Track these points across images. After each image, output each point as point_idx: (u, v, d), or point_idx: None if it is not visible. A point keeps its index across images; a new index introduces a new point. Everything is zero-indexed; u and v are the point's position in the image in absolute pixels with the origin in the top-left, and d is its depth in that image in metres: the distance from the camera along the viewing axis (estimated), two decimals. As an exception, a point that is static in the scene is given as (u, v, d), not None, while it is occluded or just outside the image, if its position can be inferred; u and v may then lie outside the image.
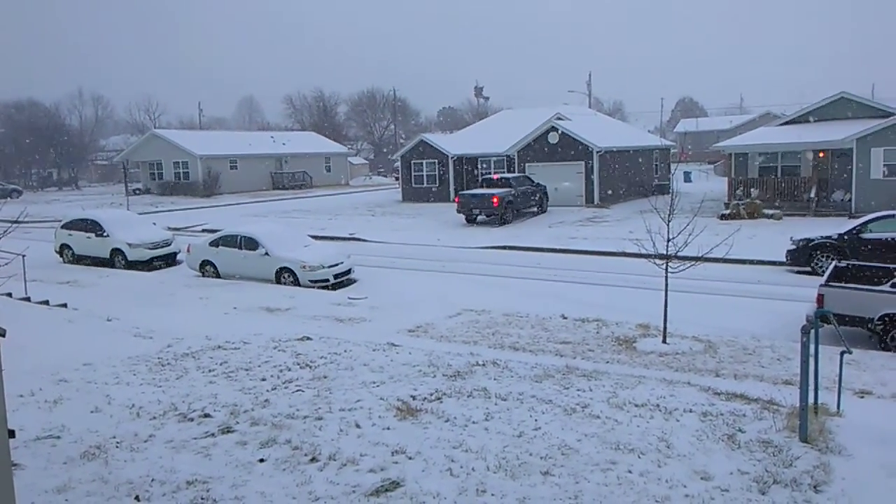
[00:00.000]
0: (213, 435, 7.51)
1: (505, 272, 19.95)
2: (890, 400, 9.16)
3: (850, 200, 27.60)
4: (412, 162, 41.80)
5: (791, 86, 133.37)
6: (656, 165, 42.20)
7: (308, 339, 11.87)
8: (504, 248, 24.49)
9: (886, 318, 11.81)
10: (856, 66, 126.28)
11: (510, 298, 16.12)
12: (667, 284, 12.31)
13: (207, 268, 19.85)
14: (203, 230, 30.44)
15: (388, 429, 7.48)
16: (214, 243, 19.90)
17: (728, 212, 28.38)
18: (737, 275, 18.40)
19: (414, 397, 8.51)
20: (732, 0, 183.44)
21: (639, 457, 6.46)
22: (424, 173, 41.33)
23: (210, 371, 10.01)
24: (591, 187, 34.40)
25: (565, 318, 14.06)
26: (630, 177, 37.72)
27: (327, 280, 18.32)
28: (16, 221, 10.87)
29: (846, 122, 28.82)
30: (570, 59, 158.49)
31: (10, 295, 15.57)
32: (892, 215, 18.63)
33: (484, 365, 9.98)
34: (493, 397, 8.39)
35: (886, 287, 12.67)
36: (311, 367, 10.06)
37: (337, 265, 18.72)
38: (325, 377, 9.54)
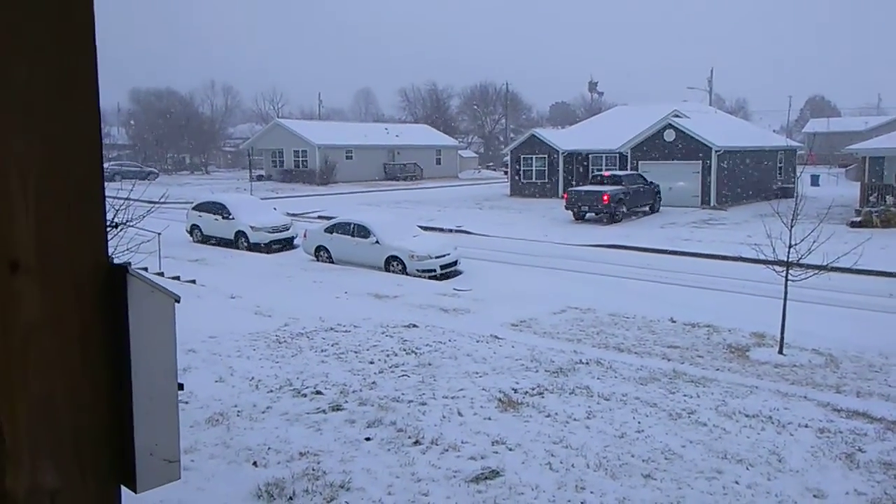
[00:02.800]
0: (324, 411, 7.93)
1: (612, 271, 19.60)
2: None
3: None
4: (522, 157, 41.71)
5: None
6: (780, 167, 39.96)
7: (414, 326, 12.21)
8: (612, 246, 24.03)
9: None
10: None
11: (616, 298, 15.85)
12: (786, 293, 11.74)
13: (321, 253, 20.73)
14: (318, 217, 31.76)
15: (490, 419, 7.62)
16: (329, 230, 20.75)
17: (859, 219, 26.51)
18: (866, 287, 17.20)
19: (515, 390, 8.61)
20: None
21: (747, 468, 6.26)
22: (534, 168, 41.14)
23: (322, 351, 10.53)
24: (708, 188, 33.06)
25: (674, 321, 13.69)
26: (750, 178, 35.94)
27: (434, 270, 18.69)
28: (157, 202, 11.82)
29: None
30: (691, 55, 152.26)
31: (146, 269, 16.96)
32: None
33: (587, 363, 9.92)
34: (595, 396, 8.35)
35: None
36: (416, 354, 10.36)
37: (443, 256, 19.06)
38: (430, 364, 9.81)
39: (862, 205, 28.27)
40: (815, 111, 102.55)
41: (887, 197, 27.79)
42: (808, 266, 11.80)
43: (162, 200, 13.05)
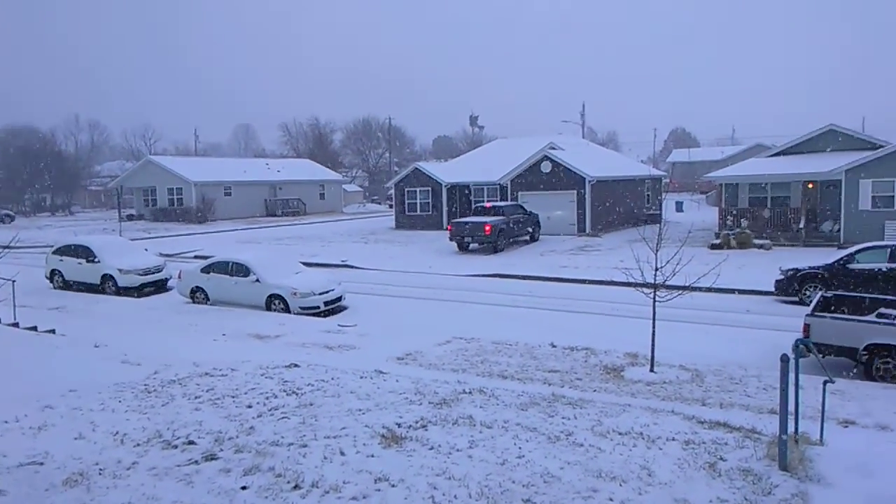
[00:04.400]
0: (196, 462, 7.48)
1: (496, 300, 20.01)
2: (873, 430, 9.20)
3: (838, 231, 27.88)
4: (406, 190, 42.08)
5: (782, 117, 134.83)
6: (648, 195, 42.56)
7: (296, 366, 11.86)
8: (495, 276, 24.57)
9: (872, 348, 11.91)
10: (846, 98, 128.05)
11: (500, 327, 16.16)
12: (654, 313, 12.38)
13: (198, 294, 19.85)
14: (195, 256, 30.47)
15: (373, 456, 7.48)
16: (206, 269, 19.93)
17: (718, 241, 28.59)
18: (726, 304, 18.50)
19: (399, 425, 8.51)
20: (726, 33, 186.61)
21: (620, 485, 6.48)
22: (418, 201, 41.59)
23: (196, 398, 9.99)
24: (584, 216, 34.64)
25: (554, 346, 14.10)
26: (622, 206, 38.01)
27: (318, 307, 18.34)
28: (6, 247, 10.90)
29: (835, 154, 29.26)
30: (565, 90, 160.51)
31: (-2, 320, 15.54)
32: (879, 246, 18.84)
33: (470, 393, 9.99)
34: (478, 425, 8.40)
35: (872, 317, 12.80)
36: (297, 395, 10.05)
37: (328, 292, 18.76)
38: (312, 404, 9.53)
39: (720, 228, 30.54)
40: (678, 142, 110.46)
41: (742, 220, 30.18)
42: (673, 287, 12.51)
43: (12, 244, 12.05)
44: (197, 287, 19.87)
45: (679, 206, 50.17)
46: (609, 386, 11.32)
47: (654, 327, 12.27)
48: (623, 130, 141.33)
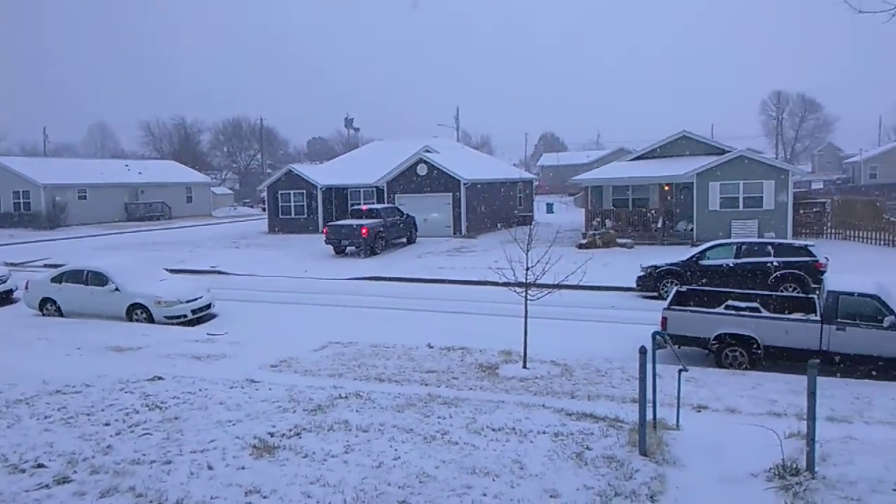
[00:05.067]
0: (47, 486, 6.90)
1: (373, 303, 19.90)
2: (723, 413, 9.95)
3: (692, 230, 30.04)
4: (279, 192, 41.01)
5: (642, 123, 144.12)
6: (520, 197, 43.95)
7: (160, 378, 11.22)
8: (373, 279, 24.45)
9: (721, 338, 12.90)
10: (698, 105, 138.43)
11: (378, 329, 16.08)
12: (526, 312, 12.77)
13: (48, 306, 18.31)
14: (45, 265, 28.14)
15: (243, 468, 7.20)
16: (57, 279, 18.40)
17: (585, 241, 29.98)
18: (592, 300, 19.42)
19: (272, 434, 8.26)
20: (593, 42, 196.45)
21: (493, 480, 6.61)
22: (292, 204, 40.65)
23: (46, 418, 9.20)
24: (459, 218, 35.23)
25: (431, 347, 14.21)
26: (496, 208, 39.01)
27: (185, 315, 17.45)
28: None
29: (688, 159, 31.52)
30: (440, 94, 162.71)
31: None
32: (727, 244, 20.49)
33: (346, 397, 9.86)
34: (353, 429, 8.30)
35: (721, 309, 13.88)
36: (161, 409, 9.50)
37: (195, 300, 17.88)
38: (177, 418, 9.04)
39: (587, 228, 32.05)
40: (548, 146, 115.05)
41: (606, 221, 31.84)
42: (544, 285, 12.95)
43: None
44: (47, 298, 18.32)
45: (549, 208, 52.20)
46: (484, 384, 11.54)
47: (526, 325, 12.65)
48: (496, 134, 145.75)
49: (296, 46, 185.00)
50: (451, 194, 35.16)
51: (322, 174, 41.68)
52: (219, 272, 26.45)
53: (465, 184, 34.81)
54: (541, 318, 14.33)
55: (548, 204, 53.56)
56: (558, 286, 13.35)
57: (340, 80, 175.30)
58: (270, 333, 15.86)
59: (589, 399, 10.52)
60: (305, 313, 18.64)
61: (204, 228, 47.13)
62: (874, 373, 11.89)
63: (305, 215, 40.27)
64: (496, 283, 15.95)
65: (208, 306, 18.29)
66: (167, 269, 20.65)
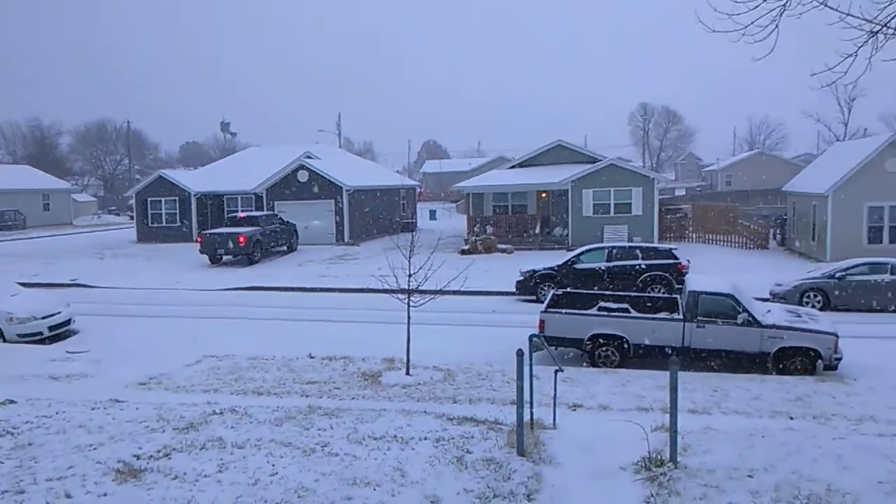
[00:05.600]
0: None
1: (252, 314, 19.26)
2: (596, 410, 10.39)
3: (567, 235, 31.29)
4: (150, 199, 38.89)
5: (522, 132, 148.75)
6: (403, 204, 44.09)
7: (11, 402, 10.26)
8: (252, 288, 23.68)
9: (595, 338, 13.49)
10: (573, 116, 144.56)
11: (256, 341, 15.56)
12: (409, 318, 12.79)
13: None
14: None
15: (105, 495, 6.69)
16: None
17: (467, 247, 30.52)
18: (474, 305, 19.76)
19: (138, 456, 7.74)
20: (474, 53, 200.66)
21: (374, 489, 6.53)
22: (164, 211, 38.65)
23: None
24: (342, 226, 34.84)
25: (312, 357, 13.91)
26: (379, 215, 38.91)
27: (40, 333, 16.09)
28: None
29: (563, 167, 32.80)
30: (322, 99, 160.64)
31: None
32: (599, 248, 21.51)
33: (221, 413, 9.44)
34: (228, 446, 7.94)
35: (594, 311, 14.52)
36: (13, 435, 8.68)
37: (52, 315, 16.55)
38: (31, 444, 8.29)
39: (468, 235, 32.62)
40: (430, 153, 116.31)
41: (487, 227, 32.54)
42: (426, 291, 13.04)
43: None
44: None
45: (432, 215, 52.77)
46: (367, 392, 11.43)
47: (409, 332, 12.67)
48: (379, 141, 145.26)
49: (167, 48, 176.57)
50: (333, 201, 34.71)
51: (196, 180, 39.92)
52: (80, 285, 24.68)
53: (347, 190, 34.48)
54: (424, 324, 14.40)
55: (431, 211, 54.12)
56: (441, 292, 13.48)
57: (216, 83, 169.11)
58: (139, 349, 14.95)
59: (470, 403, 10.66)
60: (178, 327, 17.73)
61: (64, 238, 43.80)
62: (730, 366, 12.84)
63: (178, 223, 38.40)
64: (379, 291, 15.88)
65: (68, 322, 16.98)
66: (20, 283, 19.00)
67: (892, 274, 18.45)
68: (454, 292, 15.53)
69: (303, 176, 34.96)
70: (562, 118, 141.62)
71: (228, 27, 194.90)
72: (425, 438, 7.87)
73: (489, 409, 9.77)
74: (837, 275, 18.74)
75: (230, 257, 28.96)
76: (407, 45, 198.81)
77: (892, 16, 6.87)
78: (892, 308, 18.17)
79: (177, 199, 38.37)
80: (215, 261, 28.91)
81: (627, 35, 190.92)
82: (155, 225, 38.72)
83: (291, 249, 32.28)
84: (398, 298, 12.95)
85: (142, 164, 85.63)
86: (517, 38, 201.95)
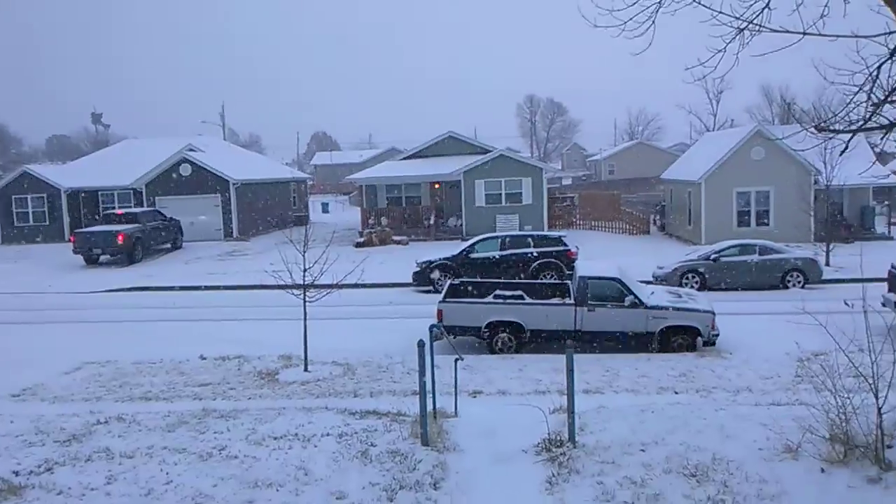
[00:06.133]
0: None
1: (135, 316, 18.25)
2: (496, 396, 10.60)
3: (461, 225, 31.69)
4: (14, 197, 35.90)
5: (413, 123, 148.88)
6: (294, 197, 43.12)
7: None
8: (135, 289, 22.43)
9: (492, 325, 13.73)
10: (463, 108, 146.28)
11: (141, 344, 14.74)
12: (305, 313, 12.53)
13: None
14: None
15: (-22, 518, 6.16)
16: None
17: (362, 240, 30.28)
18: (372, 298, 19.65)
19: (17, 473, 7.18)
20: (364, 43, 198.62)
21: (277, 490, 6.37)
22: (30, 210, 35.83)
23: None
24: (230, 220, 33.63)
25: (204, 358, 13.36)
26: (270, 209, 37.87)
27: None
28: None
29: (455, 158, 33.13)
30: (203, 90, 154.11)
31: None
32: (493, 237, 21.92)
33: (107, 422, 8.90)
34: (117, 457, 7.50)
35: (490, 299, 14.78)
36: None
37: None
38: None
39: (363, 227, 32.37)
40: (321, 145, 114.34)
41: (382, 219, 32.41)
42: (322, 286, 12.80)
43: None
44: None
45: (325, 208, 51.95)
46: (264, 391, 11.12)
47: (305, 327, 12.41)
48: (267, 133, 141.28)
49: (27, 33, 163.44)
50: (219, 195, 33.43)
51: (67, 176, 37.24)
52: (-63, 292, 22.50)
53: (234, 184, 33.31)
54: (321, 319, 14.17)
55: (323, 203, 53.27)
56: (337, 286, 13.28)
57: (85, 71, 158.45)
58: (6, 359, 13.80)
59: (372, 396, 10.61)
60: (52, 333, 16.53)
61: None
62: (620, 346, 13.46)
63: (48, 222, 35.70)
64: (273, 287, 15.47)
65: (-76, 333, 15.44)
66: None
67: (759, 254, 19.95)
68: (351, 286, 15.37)
69: (186, 170, 33.44)
70: (452, 110, 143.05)
71: (97, 8, 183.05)
72: (328, 435, 7.76)
73: (391, 401, 9.75)
74: (712, 257, 20.04)
75: (108, 257, 27.29)
76: (293, 35, 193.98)
77: (757, 13, 7.38)
78: (762, 285, 19.65)
79: (45, 195, 35.66)
80: (91, 261, 27.16)
81: (514, 27, 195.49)
82: (21, 224, 35.82)
83: (176, 247, 30.82)
84: (293, 294, 12.65)
85: (4, 158, 79.00)
86: (408, 29, 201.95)
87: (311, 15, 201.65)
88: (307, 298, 12.52)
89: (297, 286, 12.54)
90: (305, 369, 12.23)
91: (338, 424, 8.18)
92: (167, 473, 6.94)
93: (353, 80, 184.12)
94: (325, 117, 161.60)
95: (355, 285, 16.42)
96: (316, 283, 12.62)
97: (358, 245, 29.63)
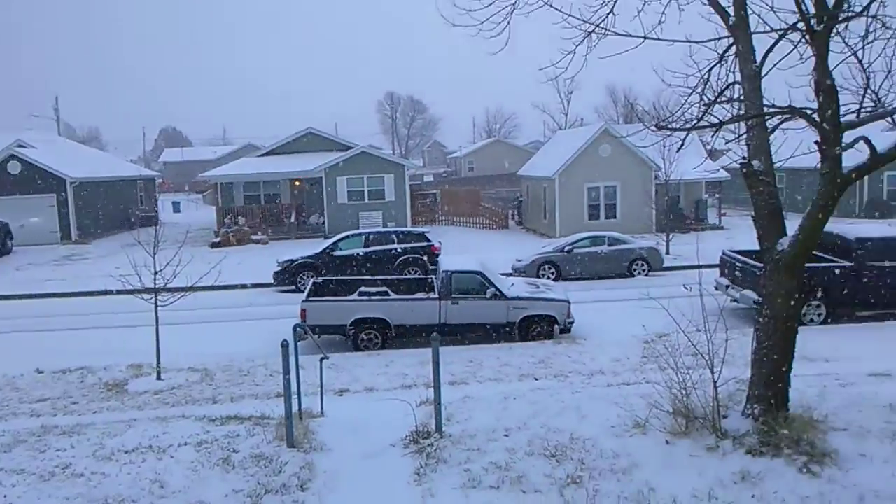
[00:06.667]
0: None
1: (-43, 329, 16.36)
2: (363, 393, 10.54)
3: (324, 223, 31.18)
4: None
5: (271, 119, 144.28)
6: (142, 196, 40.50)
7: None
8: (-45, 300, 20.10)
9: (357, 323, 13.63)
10: (323, 104, 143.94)
11: (-35, 360, 13.25)
12: (157, 319, 11.82)
13: None
14: None
15: None
16: None
17: (218, 240, 29.00)
18: (230, 300, 18.88)
19: None
20: (216, 36, 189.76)
21: (130, 506, 5.96)
22: None
23: None
24: (68, 222, 30.98)
25: (41, 372, 12.23)
26: (114, 209, 35.35)
27: None
28: None
29: (316, 154, 32.52)
30: (33, 81, 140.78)
31: None
32: (356, 234, 21.77)
33: (-75, 448, 7.91)
34: (-62, 487, 6.69)
35: (355, 296, 14.66)
36: None
37: None
38: None
39: (219, 226, 30.97)
40: (170, 141, 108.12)
41: (240, 218, 31.18)
42: (176, 289, 12.11)
43: None
44: None
45: (176, 207, 49.27)
46: (112, 404, 10.36)
47: (157, 333, 11.71)
48: (108, 128, 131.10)
49: None
50: (55, 195, 30.71)
51: None
52: None
53: (72, 183, 30.74)
54: (176, 323, 13.46)
55: (174, 202, 50.50)
56: (192, 288, 12.64)
57: None
58: None
59: (233, 401, 10.20)
60: None
61: None
62: (483, 337, 13.83)
63: None
64: (120, 292, 14.49)
65: None
66: None
67: (608, 245, 21.23)
68: (207, 288, 14.67)
69: (14, 167, 30.44)
70: (311, 106, 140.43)
71: None
72: (185, 444, 7.35)
73: (254, 405, 9.41)
74: (566, 248, 21.08)
75: (-78, 265, 24.29)
76: (137, 23, 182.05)
77: (603, 17, 7.84)
78: (611, 274, 20.93)
79: None
80: None
81: (376, 24, 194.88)
82: None
83: (5, 252, 27.95)
84: (143, 298, 11.89)
85: None
86: (264, 23, 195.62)
87: (157, 4, 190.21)
88: (159, 303, 11.81)
89: (148, 290, 11.79)
90: (159, 378, 11.54)
91: (196, 433, 7.77)
92: (5, 496, 6.29)
93: (206, 74, 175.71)
94: (175, 112, 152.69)
95: (212, 287, 15.69)
96: (168, 286, 11.92)
97: (214, 245, 28.34)
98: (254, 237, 29.49)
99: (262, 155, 34.87)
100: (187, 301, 12.54)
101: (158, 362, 11.63)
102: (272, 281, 20.36)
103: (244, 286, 20.67)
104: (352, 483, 6.39)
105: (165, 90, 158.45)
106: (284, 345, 7.29)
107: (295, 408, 7.66)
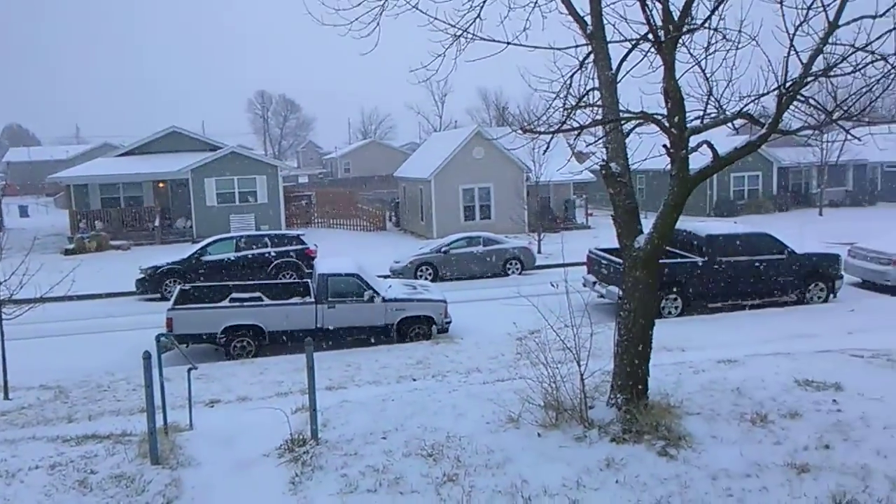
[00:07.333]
0: None
1: None
2: (235, 403, 10.15)
3: (191, 227, 29.77)
4: None
5: (130, 117, 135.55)
6: (-16, 200, 36.93)
7: None
8: None
9: (228, 330, 13.12)
10: (188, 103, 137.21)
11: None
12: (3, 334, 10.82)
13: None
14: None
15: None
16: None
17: (73, 246, 26.97)
18: (87, 311, 17.64)
19: None
20: (69, 31, 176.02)
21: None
22: None
23: None
24: None
25: None
26: (-51, 214, 31.95)
27: None
28: None
29: (181, 155, 30.94)
30: None
31: None
32: (227, 238, 20.95)
33: None
34: None
35: (226, 303, 14.12)
36: None
37: None
38: None
39: (73, 232, 28.78)
40: (15, 140, 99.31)
41: (97, 222, 29.12)
42: (23, 301, 11.15)
43: None
44: None
45: (24, 211, 45.41)
46: (-52, 430, 9.35)
47: (3, 349, 10.73)
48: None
49: None
50: None
51: None
52: None
53: None
54: (25, 338, 12.42)
55: (21, 206, 46.48)
56: (41, 299, 11.65)
57: None
58: None
59: (90, 419, 9.52)
60: None
61: None
62: (361, 340, 13.72)
63: None
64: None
65: None
66: None
67: (483, 246, 21.71)
68: (60, 298, 13.60)
69: None
70: (176, 105, 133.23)
71: None
72: (37, 468, 6.75)
73: (114, 422, 8.82)
74: (443, 249, 21.35)
75: None
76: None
77: (470, 22, 8.00)
78: (487, 274, 21.42)
79: None
80: None
81: (244, 21, 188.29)
82: None
83: None
84: (-15, 312, 10.85)
85: None
86: (116, 15, 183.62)
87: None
88: (4, 316, 10.82)
89: (-9, 303, 10.77)
90: (6, 397, 10.59)
91: (49, 455, 7.16)
92: None
93: (57, 69, 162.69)
94: (20, 109, 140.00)
95: (66, 298, 14.57)
96: (14, 297, 10.94)
97: (68, 252, 26.33)
98: (114, 243, 27.68)
99: (122, 155, 32.72)
100: (37, 313, 11.57)
101: (5, 381, 10.66)
102: (135, 289, 19.21)
103: (103, 295, 19.36)
104: (223, 497, 6.13)
105: (9, 84, 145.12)
106: (146, 356, 6.88)
107: (160, 422, 7.25)
